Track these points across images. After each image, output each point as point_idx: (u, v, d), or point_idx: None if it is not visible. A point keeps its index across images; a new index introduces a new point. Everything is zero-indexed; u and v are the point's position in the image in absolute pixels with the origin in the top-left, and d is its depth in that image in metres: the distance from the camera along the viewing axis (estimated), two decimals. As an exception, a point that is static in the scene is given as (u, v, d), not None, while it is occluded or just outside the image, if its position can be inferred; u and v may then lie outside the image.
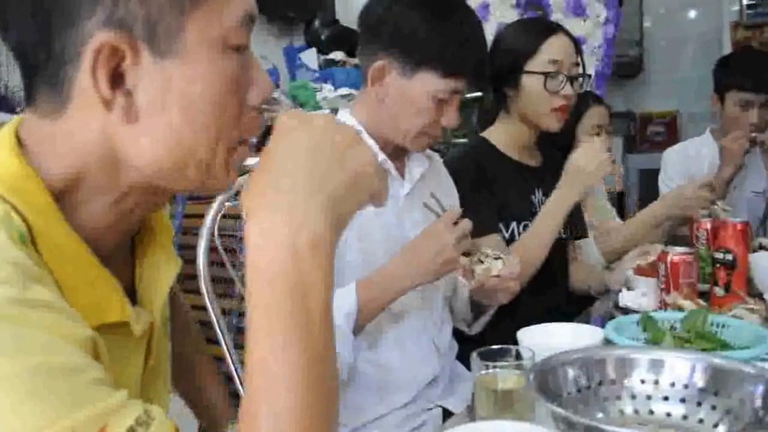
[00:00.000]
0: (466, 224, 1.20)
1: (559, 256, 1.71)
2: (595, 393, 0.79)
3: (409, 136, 1.29)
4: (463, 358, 1.46)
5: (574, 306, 1.69)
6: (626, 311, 1.46)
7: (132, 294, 0.69)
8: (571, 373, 0.78)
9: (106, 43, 0.55)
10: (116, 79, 0.57)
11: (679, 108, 4.72)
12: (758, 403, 0.73)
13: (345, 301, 1.17)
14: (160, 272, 0.71)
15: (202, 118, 0.59)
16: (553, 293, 1.69)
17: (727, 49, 4.02)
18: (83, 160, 0.59)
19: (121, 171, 0.60)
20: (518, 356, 0.86)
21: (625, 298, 1.47)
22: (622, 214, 3.46)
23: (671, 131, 4.77)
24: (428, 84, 1.24)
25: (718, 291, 1.43)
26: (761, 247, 1.83)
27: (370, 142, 1.30)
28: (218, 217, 1.02)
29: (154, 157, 0.59)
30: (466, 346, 1.48)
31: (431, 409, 1.35)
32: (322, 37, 3.40)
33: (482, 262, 1.24)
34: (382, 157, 1.31)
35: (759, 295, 1.39)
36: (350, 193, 0.60)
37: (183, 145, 0.59)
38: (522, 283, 1.52)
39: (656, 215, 1.89)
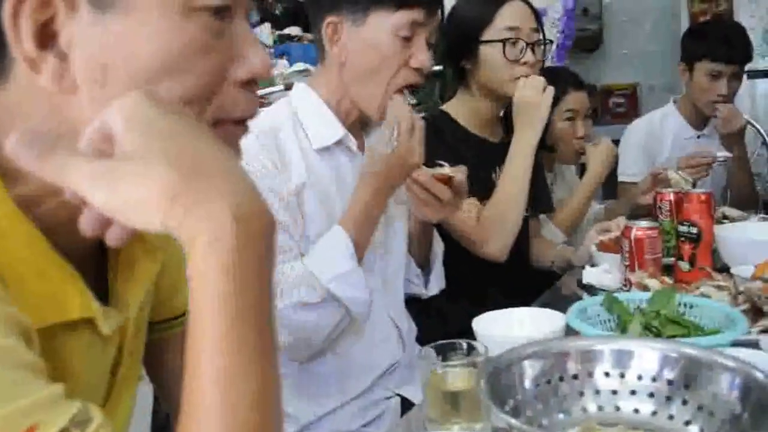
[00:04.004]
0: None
1: (521, 231, 1.65)
2: (555, 390, 0.71)
3: (380, 91, 1.19)
4: (422, 340, 1.40)
5: (537, 283, 1.62)
6: (590, 288, 1.41)
7: (107, 292, 0.61)
8: (528, 369, 0.70)
9: None
10: (47, 38, 0.49)
11: (639, 80, 4.83)
12: (734, 398, 0.65)
13: (340, 245, 1.15)
14: (135, 268, 0.63)
15: (153, 87, 0.50)
16: (516, 270, 1.63)
17: (686, 22, 4.03)
18: None
19: None
20: (470, 350, 0.78)
21: (589, 276, 1.42)
22: None
23: (632, 103, 4.87)
24: (384, 22, 1.17)
25: (683, 265, 1.38)
26: (725, 217, 1.80)
27: (329, 115, 1.23)
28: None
29: None
30: (426, 328, 1.43)
31: (389, 398, 1.30)
32: (277, 12, 3.31)
33: None
34: (343, 132, 1.23)
35: (725, 269, 1.34)
36: None
37: None
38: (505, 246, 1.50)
39: (596, 176, 1.90)
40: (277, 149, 1.16)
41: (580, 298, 1.39)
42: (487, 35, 1.55)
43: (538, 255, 1.76)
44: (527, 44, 1.54)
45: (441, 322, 1.44)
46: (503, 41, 1.53)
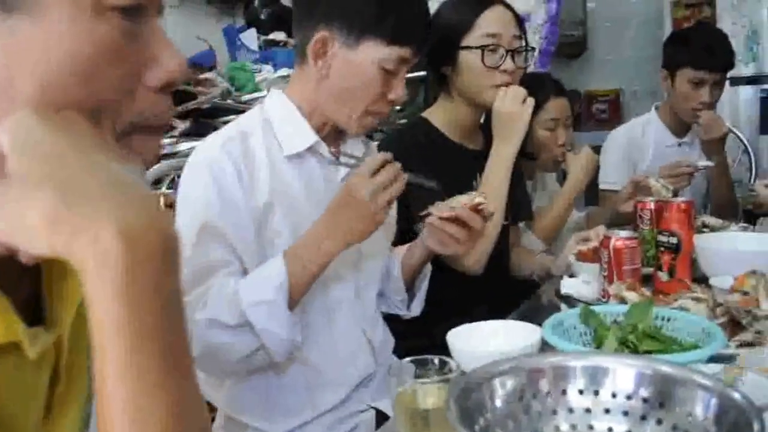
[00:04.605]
0: (388, 172, 1.10)
1: (501, 241, 1.63)
2: (527, 408, 0.69)
3: (355, 115, 1.20)
4: (399, 352, 1.38)
5: (517, 292, 1.61)
6: (569, 299, 1.40)
7: (40, 310, 0.57)
8: (498, 387, 0.68)
9: None
10: None
11: (622, 86, 4.89)
12: (710, 418, 0.64)
13: (273, 272, 1.08)
14: (65, 283, 0.59)
15: (62, 96, 0.47)
16: (496, 279, 1.61)
17: (669, 28, 4.06)
18: None
19: None
20: (443, 366, 0.76)
21: (567, 286, 1.40)
22: None
23: (614, 109, 4.94)
24: (374, 53, 1.16)
25: (662, 276, 1.37)
26: (705, 226, 1.80)
27: (302, 122, 1.21)
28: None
29: None
30: (404, 340, 1.41)
31: (363, 411, 1.27)
32: (263, 17, 3.30)
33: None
34: (316, 139, 1.21)
35: (704, 279, 1.33)
36: None
37: None
38: (481, 260, 1.47)
39: (576, 185, 1.88)
40: (244, 157, 1.14)
41: (559, 309, 1.38)
42: (467, 41, 1.53)
43: (518, 264, 1.75)
44: (507, 51, 1.52)
45: (420, 333, 1.43)
46: (482, 48, 1.51)
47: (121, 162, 0.46)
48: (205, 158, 1.14)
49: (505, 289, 1.63)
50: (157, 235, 0.44)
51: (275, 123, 1.20)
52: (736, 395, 0.64)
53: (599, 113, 4.97)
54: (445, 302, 1.46)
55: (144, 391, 0.42)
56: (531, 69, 2.89)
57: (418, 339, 1.33)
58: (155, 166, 1.61)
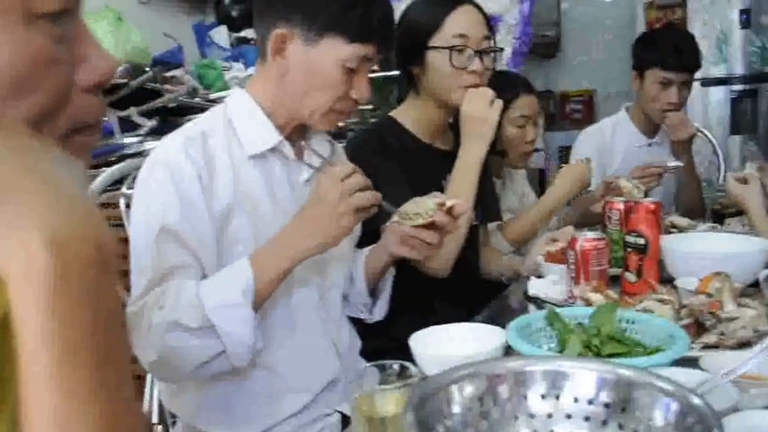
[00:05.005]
0: (358, 179, 1.08)
1: (469, 241, 1.62)
2: (486, 415, 0.68)
3: (318, 113, 1.18)
4: (366, 354, 1.37)
5: (486, 293, 1.60)
6: (537, 300, 1.39)
7: None
8: (456, 394, 0.66)
9: None
10: None
11: (596, 86, 4.97)
12: (670, 423, 0.63)
13: (239, 275, 1.06)
14: None
15: (1, 107, 0.46)
16: (464, 280, 1.60)
17: (641, 30, 4.09)
18: None
19: None
20: (402, 371, 0.74)
21: (535, 287, 1.39)
22: (543, 189, 3.55)
23: (588, 109, 5.02)
24: (335, 51, 1.14)
25: (630, 276, 1.37)
26: (673, 226, 1.81)
27: (265, 121, 1.18)
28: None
29: None
30: (372, 342, 1.39)
31: (329, 415, 1.25)
32: (234, 14, 3.26)
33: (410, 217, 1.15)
34: (279, 138, 1.18)
35: (671, 280, 1.33)
36: None
37: None
38: (448, 262, 1.45)
39: (557, 198, 1.86)
40: (204, 157, 1.11)
41: (527, 310, 1.37)
42: (435, 41, 1.52)
43: (487, 265, 1.74)
44: (476, 52, 1.51)
45: (387, 336, 1.41)
46: (450, 48, 1.50)
47: (63, 165, 0.44)
48: (164, 159, 1.11)
49: (473, 289, 1.62)
50: (90, 243, 0.41)
51: (237, 122, 1.18)
52: (697, 400, 0.64)
53: (573, 113, 5.05)
54: (412, 304, 1.45)
55: (72, 405, 0.40)
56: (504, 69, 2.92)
57: (384, 340, 1.31)
58: (117, 166, 1.58)
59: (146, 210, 1.10)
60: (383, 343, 1.27)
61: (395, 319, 1.42)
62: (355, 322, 1.40)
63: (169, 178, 1.08)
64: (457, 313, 1.39)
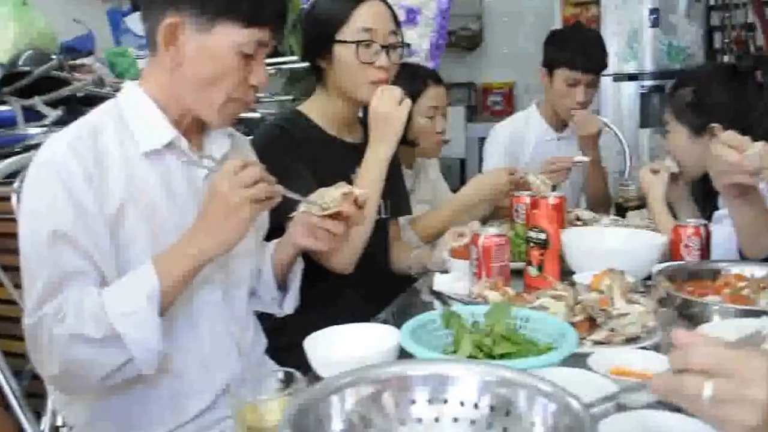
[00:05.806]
0: (253, 170, 1.05)
1: (378, 236, 1.62)
2: (371, 423, 0.67)
3: (216, 104, 1.14)
4: (272, 353, 1.35)
5: (395, 287, 1.60)
6: (442, 296, 1.40)
7: None
8: (338, 402, 0.65)
9: None
10: None
11: (516, 79, 5.07)
12: (549, 425, 0.64)
13: (143, 280, 1.02)
14: None
15: None
16: (371, 275, 1.59)
17: (558, 25, 4.19)
18: None
19: None
20: (288, 378, 0.72)
21: (440, 283, 1.40)
22: (464, 180, 3.60)
23: (508, 101, 5.13)
24: (231, 36, 1.10)
25: (532, 270, 1.40)
26: (578, 219, 1.86)
27: (158, 116, 1.13)
28: None
29: None
30: (277, 339, 1.37)
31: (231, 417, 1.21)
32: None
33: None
34: (174, 134, 1.14)
35: (573, 273, 1.36)
36: None
37: None
38: (352, 259, 1.45)
39: (471, 201, 1.87)
40: (93, 156, 1.06)
41: (433, 306, 1.38)
42: (342, 35, 1.50)
43: (396, 259, 1.74)
44: (383, 47, 1.50)
45: (294, 333, 1.39)
46: (357, 43, 1.48)
47: None
48: (51, 159, 1.05)
49: (382, 284, 1.61)
50: None
51: (130, 117, 1.13)
52: (573, 402, 0.65)
53: (494, 105, 5.16)
54: (320, 299, 1.43)
55: None
56: (423, 63, 2.93)
57: (289, 338, 1.29)
58: (9, 160, 1.48)
59: (34, 213, 1.04)
60: (289, 340, 1.24)
61: (301, 317, 1.40)
62: (264, 318, 1.37)
63: (56, 178, 1.03)
64: (368, 308, 1.39)
